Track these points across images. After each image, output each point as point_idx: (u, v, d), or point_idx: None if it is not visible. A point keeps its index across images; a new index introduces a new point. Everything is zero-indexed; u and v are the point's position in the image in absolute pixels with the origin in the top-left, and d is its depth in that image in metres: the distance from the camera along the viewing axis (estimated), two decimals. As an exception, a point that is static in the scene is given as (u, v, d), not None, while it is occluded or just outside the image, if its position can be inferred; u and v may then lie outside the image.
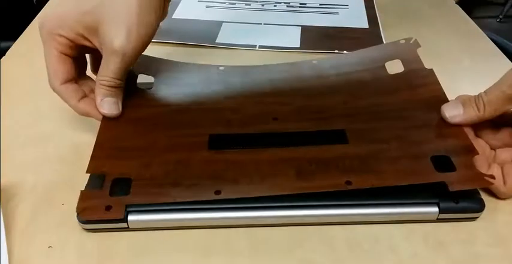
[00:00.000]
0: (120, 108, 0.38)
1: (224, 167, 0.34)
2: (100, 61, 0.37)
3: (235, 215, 0.32)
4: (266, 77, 0.44)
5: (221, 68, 0.45)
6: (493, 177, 0.33)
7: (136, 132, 0.37)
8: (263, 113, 0.39)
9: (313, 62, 0.45)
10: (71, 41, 0.36)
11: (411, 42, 0.44)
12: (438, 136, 0.36)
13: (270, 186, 0.33)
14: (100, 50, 0.36)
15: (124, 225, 0.32)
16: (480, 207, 0.33)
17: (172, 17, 0.61)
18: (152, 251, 0.32)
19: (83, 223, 0.32)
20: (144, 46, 0.37)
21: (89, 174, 0.34)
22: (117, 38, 0.34)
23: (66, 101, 0.38)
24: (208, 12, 0.63)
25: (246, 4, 0.66)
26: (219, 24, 0.60)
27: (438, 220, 0.33)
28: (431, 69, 0.42)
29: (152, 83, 0.42)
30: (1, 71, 0.49)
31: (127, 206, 0.32)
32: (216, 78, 0.44)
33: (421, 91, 0.40)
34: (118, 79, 0.37)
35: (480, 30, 0.60)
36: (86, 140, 0.40)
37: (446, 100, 0.39)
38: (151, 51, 0.54)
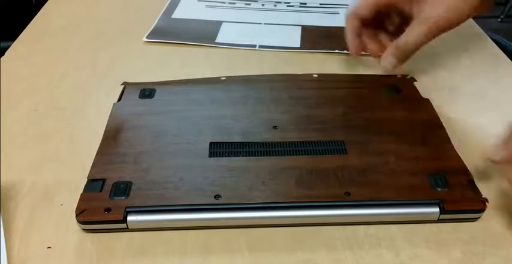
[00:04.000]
0: (396, 68, 0.45)
1: (224, 173, 0.34)
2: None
3: (235, 215, 0.32)
4: (266, 86, 0.45)
5: (223, 78, 0.46)
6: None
7: (138, 139, 0.38)
8: (263, 122, 0.40)
9: (314, 75, 0.46)
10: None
11: (407, 77, 0.46)
12: (433, 156, 0.37)
13: (269, 193, 0.33)
14: (410, 18, 0.45)
15: (123, 225, 0.32)
16: (481, 207, 0.33)
17: (172, 16, 0.61)
18: (151, 252, 0.32)
19: (82, 223, 0.32)
20: (441, 29, 0.44)
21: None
22: (434, 12, 0.43)
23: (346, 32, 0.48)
24: (208, 11, 0.63)
25: (246, 4, 0.65)
26: (218, 24, 0.60)
27: (439, 221, 0.33)
28: (428, 99, 0.43)
29: (154, 89, 0.44)
30: (1, 71, 0.49)
31: (126, 206, 0.32)
32: (218, 86, 0.45)
33: (416, 113, 0.41)
34: (413, 45, 0.43)
35: (481, 30, 0.60)
36: (86, 140, 0.40)
37: (441, 125, 0.40)
38: (151, 51, 0.54)
